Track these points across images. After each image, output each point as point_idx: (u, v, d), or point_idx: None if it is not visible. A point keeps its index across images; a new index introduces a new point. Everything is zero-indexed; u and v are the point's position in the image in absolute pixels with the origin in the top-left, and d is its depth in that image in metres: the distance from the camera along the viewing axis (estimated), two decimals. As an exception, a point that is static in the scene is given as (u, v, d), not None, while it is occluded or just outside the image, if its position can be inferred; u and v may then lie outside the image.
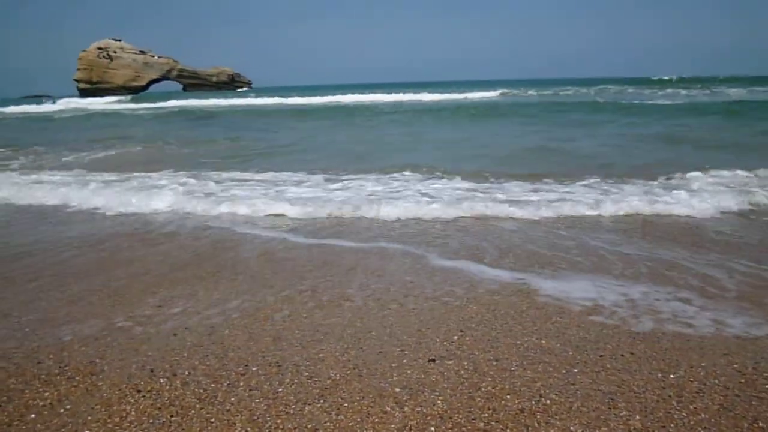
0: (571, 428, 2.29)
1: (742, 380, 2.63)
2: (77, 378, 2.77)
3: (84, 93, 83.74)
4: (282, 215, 6.19)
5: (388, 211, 6.05)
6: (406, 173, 8.56)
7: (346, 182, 8.03)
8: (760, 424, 2.29)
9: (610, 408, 2.42)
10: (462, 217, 5.88)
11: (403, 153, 11.45)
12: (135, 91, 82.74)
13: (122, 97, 59.51)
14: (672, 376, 2.68)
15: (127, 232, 5.72)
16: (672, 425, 2.30)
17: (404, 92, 45.52)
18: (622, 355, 2.89)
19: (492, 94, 42.21)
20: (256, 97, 49.60)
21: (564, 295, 3.70)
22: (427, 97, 39.53)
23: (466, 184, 7.60)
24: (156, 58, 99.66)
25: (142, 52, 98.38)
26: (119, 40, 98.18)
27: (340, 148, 13.26)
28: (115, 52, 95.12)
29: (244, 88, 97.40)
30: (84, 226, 6.08)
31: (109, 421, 2.42)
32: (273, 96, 47.29)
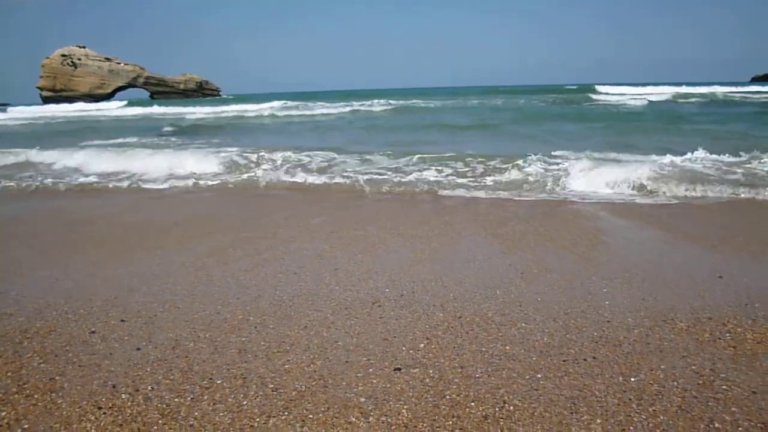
0: (534, 434, 2.32)
1: (700, 382, 2.69)
2: (36, 396, 2.71)
3: (47, 101, 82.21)
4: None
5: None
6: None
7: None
8: (716, 425, 2.35)
9: (572, 413, 2.46)
10: None
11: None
12: (100, 99, 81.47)
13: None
14: (633, 379, 2.73)
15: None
16: (632, 428, 2.34)
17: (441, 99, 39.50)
18: (585, 360, 2.93)
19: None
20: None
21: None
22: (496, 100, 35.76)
23: None
24: (122, 65, 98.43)
25: (108, 59, 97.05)
26: (84, 47, 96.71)
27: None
28: (79, 59, 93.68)
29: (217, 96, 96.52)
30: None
31: (68, 439, 2.37)
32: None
